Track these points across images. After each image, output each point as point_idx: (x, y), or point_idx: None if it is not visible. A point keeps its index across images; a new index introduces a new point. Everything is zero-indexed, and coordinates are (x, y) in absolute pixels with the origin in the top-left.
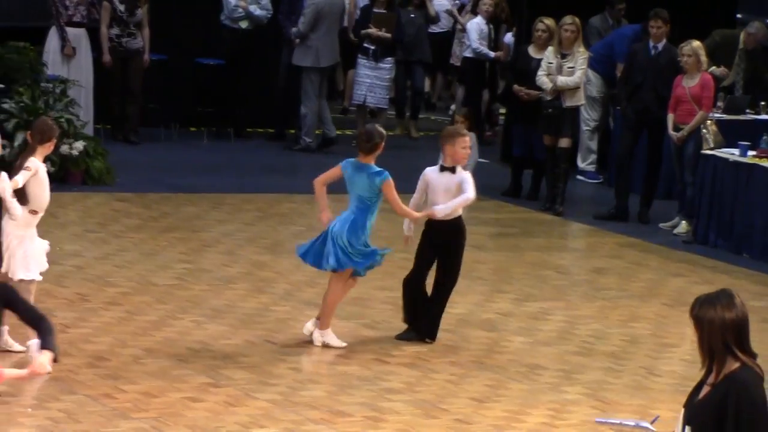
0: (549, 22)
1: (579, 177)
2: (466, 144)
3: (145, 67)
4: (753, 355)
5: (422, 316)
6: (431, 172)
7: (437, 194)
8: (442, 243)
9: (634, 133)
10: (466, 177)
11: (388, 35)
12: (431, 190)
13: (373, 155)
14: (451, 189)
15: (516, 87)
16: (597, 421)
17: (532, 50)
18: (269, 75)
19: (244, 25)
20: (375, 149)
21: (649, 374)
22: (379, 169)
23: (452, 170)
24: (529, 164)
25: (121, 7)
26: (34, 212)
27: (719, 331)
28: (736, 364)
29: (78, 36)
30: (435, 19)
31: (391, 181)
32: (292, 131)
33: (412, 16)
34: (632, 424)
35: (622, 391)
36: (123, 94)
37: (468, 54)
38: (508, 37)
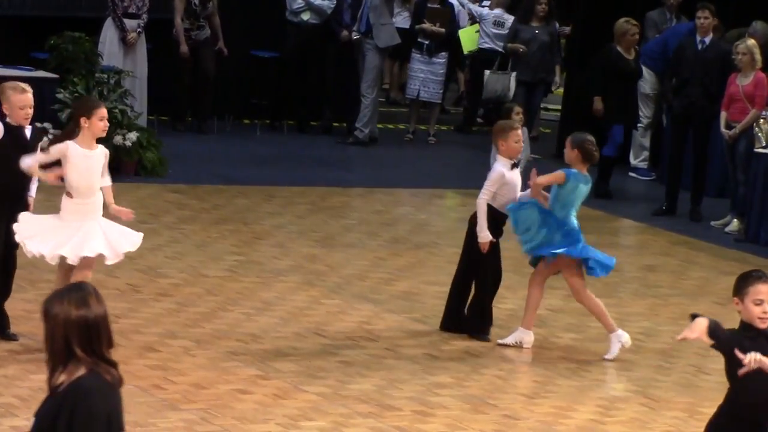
0: (637, 24)
1: (631, 174)
2: (519, 137)
3: (223, 56)
4: (108, 362)
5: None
6: (508, 172)
7: (516, 191)
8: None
9: (681, 129)
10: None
11: (442, 30)
12: (511, 184)
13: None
14: (520, 185)
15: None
16: None
17: (623, 51)
18: (324, 69)
19: (306, 17)
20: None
21: (699, 372)
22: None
23: (517, 165)
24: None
25: (196, 0)
26: (69, 195)
27: (63, 329)
28: (83, 370)
29: (132, 27)
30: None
31: (563, 174)
32: (343, 124)
33: (536, 32)
34: None
35: (671, 389)
36: (194, 84)
37: None
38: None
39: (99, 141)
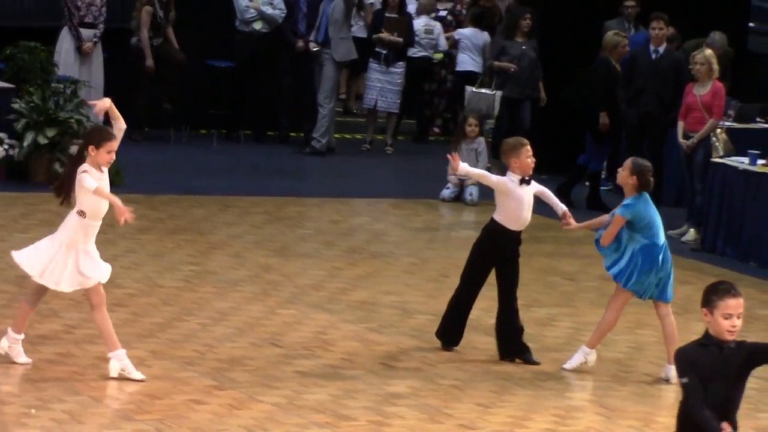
0: (626, 35)
1: (588, 183)
2: (530, 153)
3: (183, 64)
4: None
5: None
6: (512, 184)
7: (523, 208)
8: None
9: (637, 138)
10: (546, 192)
11: (400, 39)
12: (517, 200)
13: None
14: (531, 202)
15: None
16: None
17: (614, 62)
18: (278, 79)
19: (257, 26)
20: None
21: (655, 382)
22: (627, 202)
23: (528, 182)
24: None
25: (161, 13)
26: (82, 214)
27: None
28: None
29: (88, 37)
30: None
31: (620, 217)
32: (301, 134)
33: (524, 48)
34: None
35: (627, 398)
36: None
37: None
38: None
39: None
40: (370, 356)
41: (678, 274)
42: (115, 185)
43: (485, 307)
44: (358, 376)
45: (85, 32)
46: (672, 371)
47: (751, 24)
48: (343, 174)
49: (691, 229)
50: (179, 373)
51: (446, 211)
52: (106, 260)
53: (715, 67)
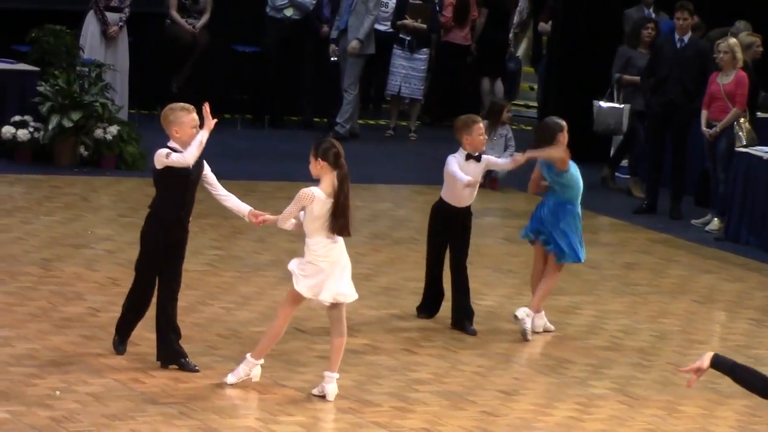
0: None
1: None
2: (481, 131)
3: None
4: None
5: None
6: (459, 160)
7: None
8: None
9: (660, 127)
10: (491, 159)
11: (424, 26)
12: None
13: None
14: (478, 176)
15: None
16: None
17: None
18: (303, 64)
19: (289, 13)
20: (552, 141)
21: (677, 370)
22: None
23: (477, 159)
24: None
25: None
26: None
27: None
28: None
29: (114, 21)
30: None
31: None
32: (324, 120)
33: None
34: None
35: (650, 387)
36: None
37: None
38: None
39: (78, 133)
40: (393, 342)
41: (701, 263)
42: (140, 169)
43: (507, 294)
44: (381, 362)
45: (111, 16)
46: (530, 321)
47: None
48: (367, 160)
49: (715, 219)
50: (203, 357)
51: None
52: (130, 243)
53: (739, 56)
